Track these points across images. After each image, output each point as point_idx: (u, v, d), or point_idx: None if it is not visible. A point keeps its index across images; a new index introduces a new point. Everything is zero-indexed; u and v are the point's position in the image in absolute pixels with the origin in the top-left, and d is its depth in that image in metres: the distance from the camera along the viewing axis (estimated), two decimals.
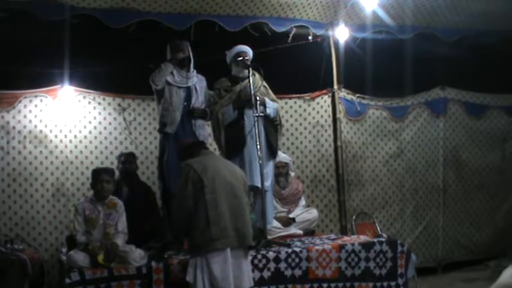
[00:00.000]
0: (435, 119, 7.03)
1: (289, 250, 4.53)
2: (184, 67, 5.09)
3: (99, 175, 4.54)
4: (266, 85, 5.30)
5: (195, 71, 5.18)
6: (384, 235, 5.35)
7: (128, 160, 5.46)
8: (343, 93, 6.64)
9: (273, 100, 5.23)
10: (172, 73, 5.06)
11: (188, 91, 5.10)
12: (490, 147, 7.26)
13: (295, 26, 6.18)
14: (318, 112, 6.60)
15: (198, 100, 5.14)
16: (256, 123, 4.79)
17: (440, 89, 7.06)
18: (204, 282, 3.89)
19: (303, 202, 5.91)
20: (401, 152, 6.92)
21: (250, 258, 4.24)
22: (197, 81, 5.18)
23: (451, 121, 7.10)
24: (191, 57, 5.12)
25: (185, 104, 5.06)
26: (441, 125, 7.04)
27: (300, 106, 6.58)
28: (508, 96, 7.37)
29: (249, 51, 5.26)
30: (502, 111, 7.32)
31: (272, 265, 4.43)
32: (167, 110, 5.03)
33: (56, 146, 5.67)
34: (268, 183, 5.08)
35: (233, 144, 5.01)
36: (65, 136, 5.71)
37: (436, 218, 6.97)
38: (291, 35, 6.22)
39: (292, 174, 5.91)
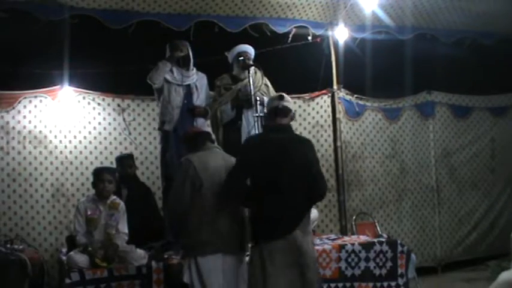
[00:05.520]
0: (425, 121, 7.11)
1: None
2: (184, 66, 5.06)
3: (101, 174, 4.52)
4: (268, 83, 5.27)
5: (194, 69, 5.15)
6: (384, 235, 5.35)
7: (127, 164, 5.43)
8: (342, 94, 6.64)
9: None
10: (171, 71, 5.02)
11: (188, 89, 5.07)
12: (479, 147, 7.34)
13: (294, 27, 6.17)
14: (317, 112, 6.61)
15: (199, 98, 5.11)
16: (256, 124, 4.76)
17: (427, 93, 7.13)
18: (199, 282, 3.70)
19: None
20: (396, 153, 6.96)
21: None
22: (197, 79, 5.14)
23: (440, 123, 7.18)
24: (191, 56, 5.08)
25: (185, 102, 5.03)
26: (430, 127, 7.13)
27: (299, 106, 6.57)
28: (492, 97, 7.46)
29: (250, 50, 5.25)
30: (487, 112, 7.40)
31: None
32: (166, 107, 5.01)
33: (56, 147, 5.66)
34: None
35: (230, 146, 4.89)
36: (65, 136, 5.71)
37: (432, 218, 7.00)
38: (290, 36, 6.21)
39: None
